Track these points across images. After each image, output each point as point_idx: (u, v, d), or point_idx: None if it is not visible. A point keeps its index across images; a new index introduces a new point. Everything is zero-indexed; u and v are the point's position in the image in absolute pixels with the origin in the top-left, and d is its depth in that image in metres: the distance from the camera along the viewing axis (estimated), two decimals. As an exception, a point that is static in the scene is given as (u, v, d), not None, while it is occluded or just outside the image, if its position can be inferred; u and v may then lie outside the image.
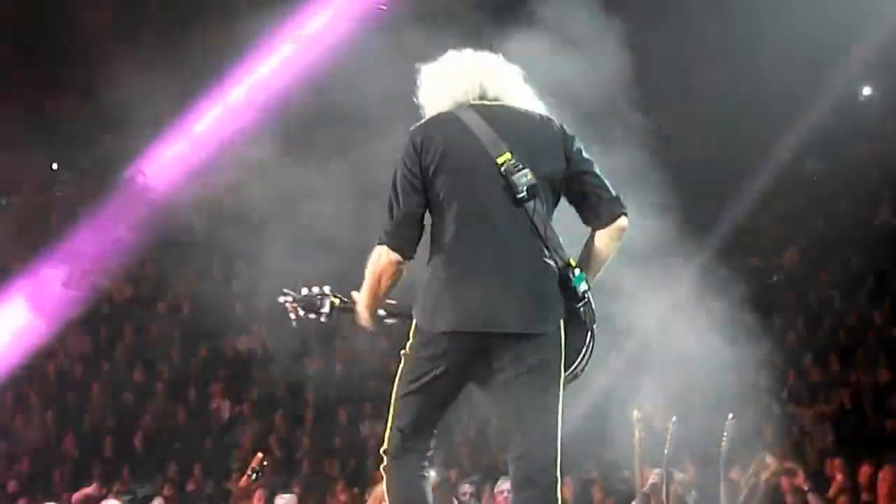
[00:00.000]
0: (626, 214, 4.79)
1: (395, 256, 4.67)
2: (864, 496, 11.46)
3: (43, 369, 17.40)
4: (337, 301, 5.03)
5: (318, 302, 5.08)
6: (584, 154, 4.82)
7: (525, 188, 4.61)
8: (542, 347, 4.63)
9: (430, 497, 4.78)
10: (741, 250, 19.28)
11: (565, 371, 4.70)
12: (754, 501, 10.81)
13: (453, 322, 4.60)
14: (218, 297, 18.74)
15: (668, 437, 8.99)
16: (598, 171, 4.82)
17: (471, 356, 4.65)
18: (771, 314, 17.98)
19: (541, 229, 4.66)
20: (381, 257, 4.69)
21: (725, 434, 8.91)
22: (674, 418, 9.05)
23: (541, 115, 4.86)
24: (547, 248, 4.67)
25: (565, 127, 4.86)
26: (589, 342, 4.83)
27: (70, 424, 16.37)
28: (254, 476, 9.53)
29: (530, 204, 4.64)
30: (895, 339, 18.49)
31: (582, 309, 4.76)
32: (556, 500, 4.61)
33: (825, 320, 18.31)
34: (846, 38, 18.73)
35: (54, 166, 20.62)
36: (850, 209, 20.97)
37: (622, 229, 4.78)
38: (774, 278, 19.42)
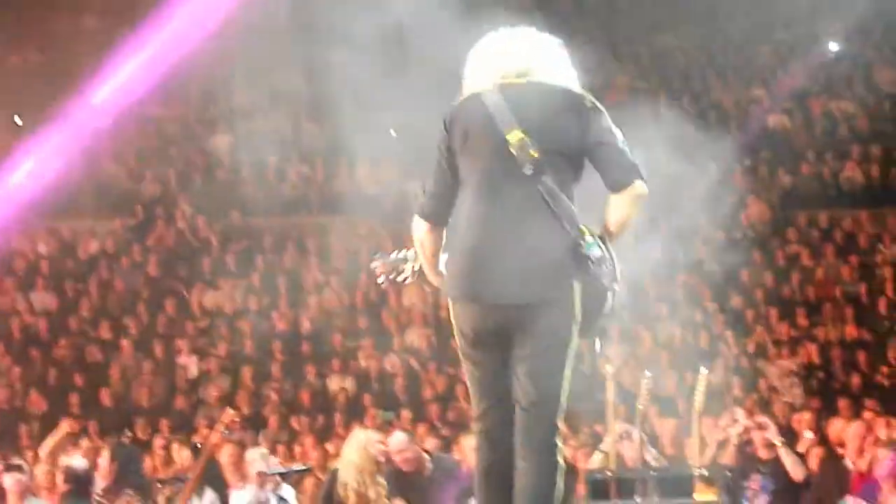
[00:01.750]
0: (640, 180, 4.88)
1: (426, 224, 5.07)
2: (834, 451, 11.50)
3: (7, 326, 17.29)
4: (418, 265, 5.30)
5: (402, 265, 5.41)
6: (604, 126, 4.92)
7: (530, 165, 4.82)
8: (547, 314, 4.80)
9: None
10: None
11: (585, 332, 4.89)
12: (724, 455, 10.84)
13: (467, 292, 4.89)
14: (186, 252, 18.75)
15: (641, 391, 8.96)
16: (617, 142, 4.91)
17: (488, 326, 4.87)
18: (739, 270, 18.09)
19: (552, 202, 4.81)
20: (417, 227, 5.09)
21: (697, 388, 8.87)
22: (647, 373, 9.03)
23: (564, 90, 4.98)
24: (559, 219, 4.81)
25: (591, 100, 4.94)
26: (607, 302, 4.89)
27: (36, 381, 16.28)
28: (224, 432, 9.47)
29: (540, 179, 4.82)
30: (861, 294, 18.67)
31: (599, 272, 4.81)
32: (555, 460, 4.79)
33: (792, 276, 18.42)
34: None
35: None
36: (818, 165, 21.08)
37: (636, 196, 4.87)
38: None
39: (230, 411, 9.57)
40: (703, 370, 8.98)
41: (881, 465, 9.78)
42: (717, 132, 19.58)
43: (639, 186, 4.88)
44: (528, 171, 4.82)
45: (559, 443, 4.86)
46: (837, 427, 12.12)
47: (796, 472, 10.00)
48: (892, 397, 14.89)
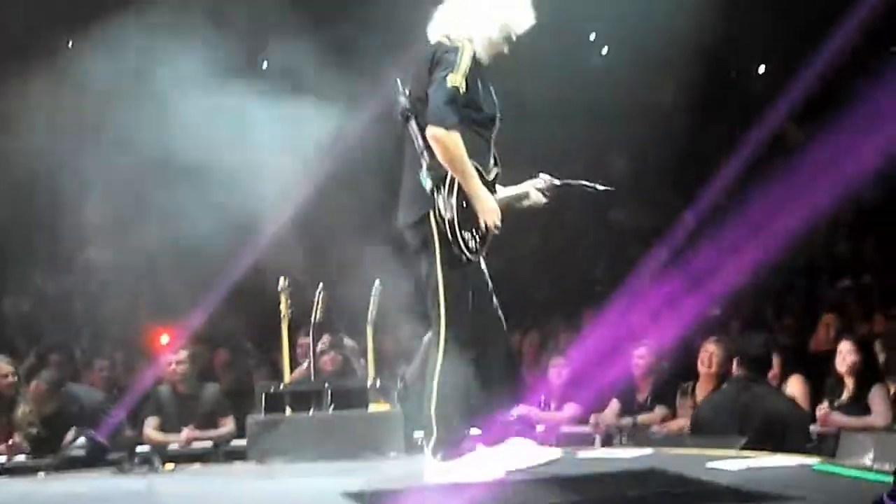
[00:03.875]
0: (432, 125, 5.49)
1: None
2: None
3: None
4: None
5: None
6: (438, 74, 5.55)
7: (399, 114, 5.71)
8: (416, 234, 5.69)
9: None
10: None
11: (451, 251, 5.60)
12: (415, 366, 10.93)
13: None
14: None
15: (315, 304, 8.87)
16: (435, 88, 5.54)
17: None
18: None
19: (417, 142, 5.61)
20: None
21: (371, 301, 8.84)
22: (320, 285, 8.93)
23: (432, 43, 5.71)
24: (421, 155, 5.58)
25: (443, 48, 5.62)
26: (452, 227, 5.55)
27: None
28: None
29: (411, 123, 5.66)
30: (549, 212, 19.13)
31: (435, 200, 5.56)
32: (433, 370, 5.63)
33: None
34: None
35: None
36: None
37: (432, 138, 5.50)
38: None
39: None
40: (377, 283, 8.95)
41: (554, 373, 10.05)
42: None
43: (430, 130, 5.52)
44: (401, 118, 5.70)
45: (446, 350, 5.57)
46: (517, 339, 12.41)
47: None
48: (574, 310, 15.31)
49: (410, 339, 11.52)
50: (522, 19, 5.81)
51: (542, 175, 6.42)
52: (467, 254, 5.59)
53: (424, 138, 5.56)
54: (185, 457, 9.18)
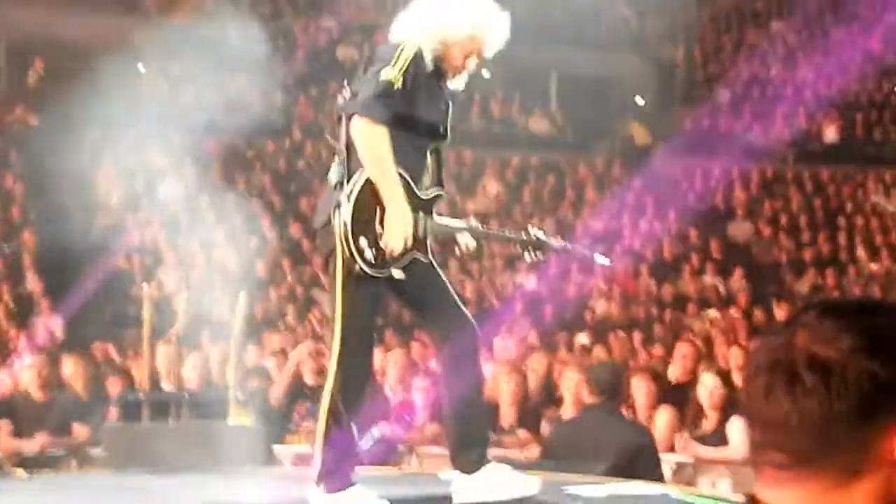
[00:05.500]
0: (359, 115, 5.08)
1: None
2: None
3: None
4: None
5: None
6: (371, 67, 5.16)
7: (337, 113, 5.36)
8: (322, 240, 5.30)
9: None
10: (273, 132, 19.27)
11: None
12: (284, 380, 10.82)
13: None
14: None
15: (179, 312, 8.70)
16: (368, 79, 5.13)
17: None
18: (299, 196, 18.14)
19: (341, 140, 5.23)
20: None
21: (237, 312, 8.70)
22: (184, 294, 8.75)
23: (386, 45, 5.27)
24: (339, 153, 5.22)
25: (384, 45, 5.23)
26: (346, 231, 5.07)
27: None
28: None
29: (342, 121, 5.23)
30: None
31: (342, 198, 5.12)
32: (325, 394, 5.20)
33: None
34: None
35: None
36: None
37: (355, 130, 5.09)
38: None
39: None
40: (242, 294, 8.82)
41: (417, 393, 10.02)
42: (285, 59, 19.49)
43: (355, 122, 5.10)
44: (337, 118, 5.35)
45: (336, 374, 5.15)
46: (381, 357, 12.33)
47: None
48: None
49: (276, 352, 11.42)
50: (460, 26, 5.22)
51: (532, 230, 5.59)
52: (363, 265, 5.04)
53: (348, 134, 5.14)
54: (39, 463, 8.94)
